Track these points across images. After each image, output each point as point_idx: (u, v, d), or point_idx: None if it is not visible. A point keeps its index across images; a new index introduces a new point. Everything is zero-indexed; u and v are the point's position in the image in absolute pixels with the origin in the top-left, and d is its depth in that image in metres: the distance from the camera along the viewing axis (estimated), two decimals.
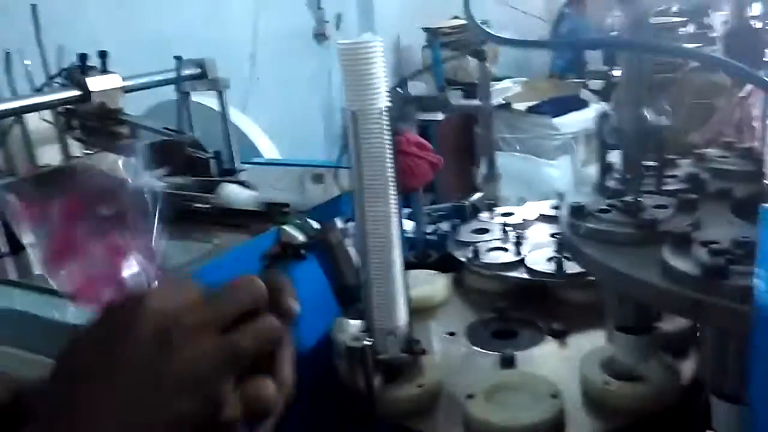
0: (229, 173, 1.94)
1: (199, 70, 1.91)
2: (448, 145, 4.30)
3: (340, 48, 1.06)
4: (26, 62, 1.93)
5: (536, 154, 4.48)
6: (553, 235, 1.78)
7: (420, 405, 1.17)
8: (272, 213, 1.46)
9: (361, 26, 5.33)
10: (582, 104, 4.91)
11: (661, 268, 0.88)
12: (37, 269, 1.34)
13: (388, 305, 1.15)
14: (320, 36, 4.98)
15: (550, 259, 1.57)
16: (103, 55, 1.66)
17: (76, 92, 1.61)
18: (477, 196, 2.16)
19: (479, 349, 1.36)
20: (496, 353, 1.34)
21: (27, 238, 1.43)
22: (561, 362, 1.30)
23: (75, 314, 1.07)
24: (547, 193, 4.26)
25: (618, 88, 1.03)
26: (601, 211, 1.07)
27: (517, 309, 1.51)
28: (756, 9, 1.42)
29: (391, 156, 1.08)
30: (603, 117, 1.06)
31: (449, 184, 3.61)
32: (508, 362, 1.27)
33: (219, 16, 4.12)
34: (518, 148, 4.73)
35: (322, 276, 1.42)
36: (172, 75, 1.84)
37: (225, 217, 1.49)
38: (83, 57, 1.62)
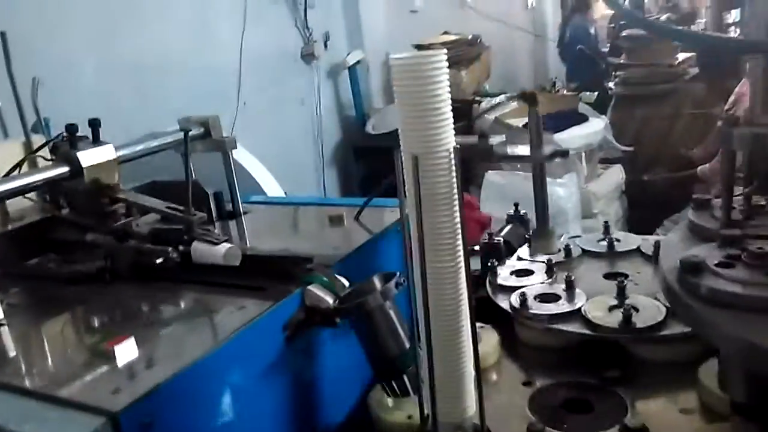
0: (233, 216, 1.71)
1: (202, 130, 1.67)
2: None
3: (394, 65, 0.83)
4: None
5: None
6: (606, 276, 1.58)
7: None
8: (293, 270, 1.23)
9: (350, 45, 5.14)
10: (581, 118, 4.76)
11: None
12: (10, 355, 1.10)
13: (454, 390, 0.92)
14: (308, 56, 4.77)
15: (612, 309, 1.36)
16: (93, 123, 1.42)
17: (65, 169, 1.37)
18: (507, 228, 1.95)
19: (552, 429, 1.13)
20: None
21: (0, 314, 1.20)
22: None
23: (60, 429, 0.83)
24: (554, 215, 4.11)
25: (752, 96, 0.83)
26: (723, 265, 0.86)
27: (583, 368, 1.30)
28: None
29: (458, 203, 0.86)
30: (729, 123, 0.84)
31: None
32: None
33: (204, 39, 3.89)
34: (519, 166, 4.54)
35: (355, 341, 1.20)
36: (170, 139, 1.59)
37: (234, 275, 1.25)
38: (72, 128, 1.37)
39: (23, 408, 0.90)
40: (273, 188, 2.27)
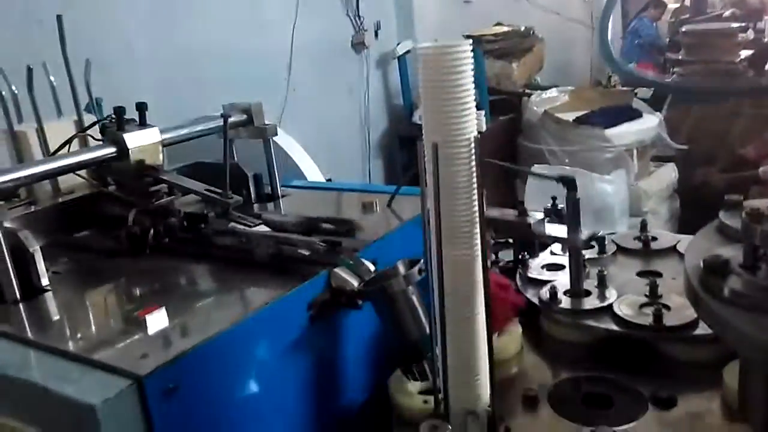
0: (271, 198, 1.75)
1: (244, 117, 1.71)
2: (486, 156, 4.08)
3: (420, 53, 0.84)
4: (51, 78, 1.78)
5: (587, 167, 4.19)
6: (640, 274, 1.55)
7: None
8: (322, 253, 1.26)
9: (401, 34, 5.14)
10: (635, 114, 4.63)
11: None
12: (51, 319, 1.17)
13: (468, 378, 0.93)
14: (359, 45, 4.79)
15: (643, 306, 1.34)
16: (141, 107, 1.49)
17: (112, 149, 1.44)
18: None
19: (568, 422, 1.12)
20: (588, 428, 1.11)
21: (45, 280, 1.28)
22: None
23: (87, 387, 0.88)
24: (600, 211, 4.02)
25: None
26: (748, 267, 0.84)
27: (606, 365, 1.29)
28: None
29: (476, 191, 0.87)
30: (753, 219, 0.82)
31: (487, 199, 3.39)
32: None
33: (255, 26, 3.97)
34: (567, 161, 4.47)
35: (377, 325, 1.22)
36: (213, 124, 1.64)
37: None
38: (119, 111, 1.44)
39: (55, 367, 0.96)
40: (314, 173, 2.30)
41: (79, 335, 1.08)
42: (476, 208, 0.87)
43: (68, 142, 1.56)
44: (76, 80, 1.70)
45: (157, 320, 1.04)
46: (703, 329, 1.24)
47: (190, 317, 1.11)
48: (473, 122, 0.84)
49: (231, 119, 1.63)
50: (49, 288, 1.25)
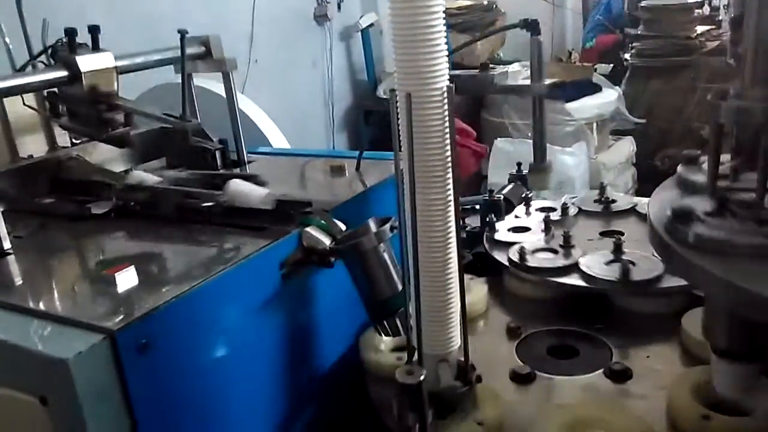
0: (237, 165, 1.73)
1: (202, 49, 1.67)
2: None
3: (391, 10, 0.84)
4: (5, 39, 1.71)
5: (548, 141, 4.25)
6: (603, 234, 1.60)
7: None
8: (292, 213, 1.25)
9: (364, 7, 5.09)
10: (595, 88, 4.70)
11: None
12: (16, 281, 1.14)
13: (441, 324, 0.95)
14: (321, 17, 4.73)
15: (609, 263, 1.38)
16: (93, 30, 1.42)
17: (63, 73, 1.36)
18: (509, 187, 1.96)
19: (540, 373, 1.16)
20: (558, 377, 1.15)
21: (6, 243, 1.24)
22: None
23: (58, 343, 0.87)
24: (562, 183, 4.09)
25: (744, 64, 0.82)
26: (712, 214, 0.87)
27: (569, 321, 1.33)
28: None
29: (449, 141, 0.88)
30: (718, 94, 0.84)
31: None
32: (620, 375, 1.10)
33: None
34: (529, 134, 4.52)
35: (350, 283, 1.23)
36: (171, 54, 1.60)
37: (236, 218, 1.29)
38: (71, 32, 1.36)
39: (28, 326, 0.94)
40: (280, 141, 2.28)
41: (46, 295, 1.06)
42: (449, 154, 0.88)
43: (20, 69, 1.48)
44: (32, 41, 1.64)
45: (127, 278, 1.03)
46: (667, 283, 1.29)
47: (160, 276, 1.10)
48: (446, 68, 0.85)
49: (189, 51, 1.58)
50: (11, 251, 1.22)
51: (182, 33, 1.47)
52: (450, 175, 0.88)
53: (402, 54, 0.83)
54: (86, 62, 1.38)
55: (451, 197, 0.89)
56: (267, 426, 1.18)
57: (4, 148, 1.55)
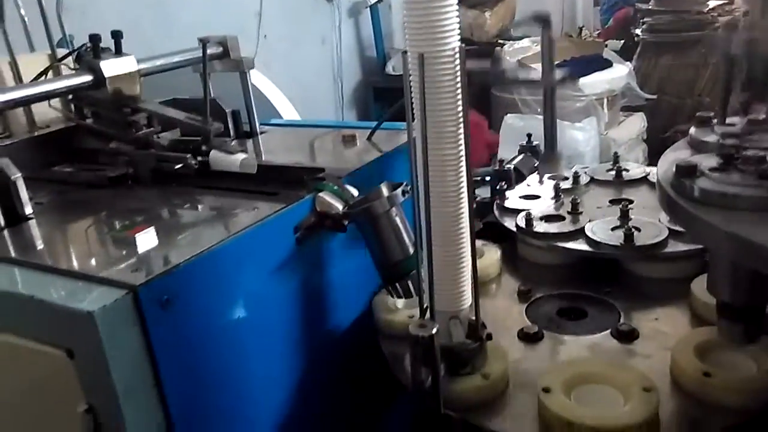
0: (249, 135, 1.75)
1: (220, 50, 1.70)
2: None
3: None
4: (22, 12, 1.73)
5: (558, 116, 4.24)
6: (612, 202, 1.61)
7: (487, 398, 1.01)
8: (305, 179, 1.28)
9: None
10: (606, 64, 4.68)
11: None
12: (40, 243, 1.17)
13: (453, 283, 0.98)
14: None
15: (614, 229, 1.40)
16: (116, 35, 1.46)
17: (88, 78, 1.41)
18: (519, 158, 1.97)
19: (548, 332, 1.19)
20: (566, 336, 1.18)
21: (28, 209, 1.28)
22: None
23: (83, 297, 0.91)
24: (571, 159, 4.09)
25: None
26: (717, 169, 0.89)
27: (578, 285, 1.35)
28: None
29: (461, 98, 0.89)
30: (729, 27, 0.85)
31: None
32: (626, 336, 1.13)
33: None
34: (539, 110, 4.51)
35: (361, 247, 1.25)
36: (190, 56, 1.62)
37: (250, 184, 1.31)
38: (95, 38, 1.42)
39: (53, 283, 0.97)
40: (290, 114, 2.30)
41: (70, 254, 1.09)
42: (461, 113, 0.89)
43: (44, 72, 1.53)
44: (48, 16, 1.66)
45: (147, 239, 1.06)
46: (672, 248, 1.31)
47: (179, 237, 1.13)
48: (457, 30, 0.86)
49: (208, 52, 1.61)
50: (32, 216, 1.25)
51: (203, 41, 1.52)
52: (462, 131, 0.90)
53: (413, 13, 0.85)
54: (110, 67, 1.43)
55: (463, 153, 0.91)
56: (283, 382, 1.22)
57: (23, 116, 1.58)
